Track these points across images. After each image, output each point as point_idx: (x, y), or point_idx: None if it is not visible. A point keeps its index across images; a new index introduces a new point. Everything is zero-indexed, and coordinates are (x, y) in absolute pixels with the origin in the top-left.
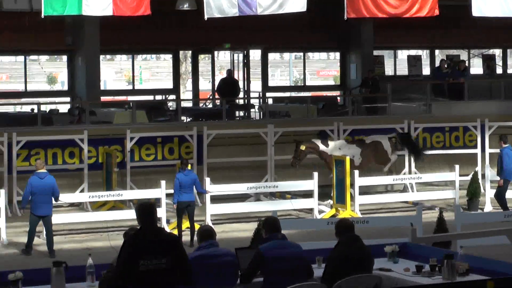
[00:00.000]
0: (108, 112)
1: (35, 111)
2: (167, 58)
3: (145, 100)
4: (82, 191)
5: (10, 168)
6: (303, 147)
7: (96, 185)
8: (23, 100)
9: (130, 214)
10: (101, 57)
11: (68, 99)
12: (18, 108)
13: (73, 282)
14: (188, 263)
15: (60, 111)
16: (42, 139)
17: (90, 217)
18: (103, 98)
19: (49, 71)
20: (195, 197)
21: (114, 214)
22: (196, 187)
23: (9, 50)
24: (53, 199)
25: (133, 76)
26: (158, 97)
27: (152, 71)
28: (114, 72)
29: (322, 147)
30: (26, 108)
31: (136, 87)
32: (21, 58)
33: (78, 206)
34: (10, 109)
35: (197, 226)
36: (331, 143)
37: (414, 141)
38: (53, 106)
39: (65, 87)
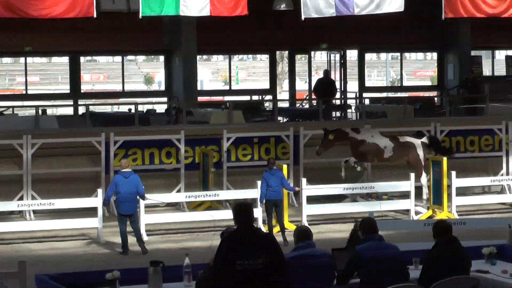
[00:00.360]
0: (205, 112)
1: (133, 111)
2: (264, 58)
3: (242, 100)
4: (178, 191)
5: (108, 167)
6: (331, 137)
7: (193, 185)
8: (121, 100)
9: (226, 214)
10: (198, 57)
11: (165, 99)
12: (115, 108)
13: (170, 282)
14: (285, 263)
15: (157, 111)
16: (139, 139)
17: (187, 217)
18: (200, 98)
19: (146, 71)
20: (290, 197)
21: (211, 214)
22: (284, 185)
23: (107, 51)
24: (138, 197)
25: (230, 76)
26: (255, 97)
27: (249, 71)
28: (211, 72)
29: (352, 133)
30: (124, 108)
31: (232, 87)
32: (118, 58)
33: (174, 206)
34: (107, 109)
35: (293, 227)
36: (362, 130)
37: (441, 144)
38: (150, 106)
39: (162, 87)
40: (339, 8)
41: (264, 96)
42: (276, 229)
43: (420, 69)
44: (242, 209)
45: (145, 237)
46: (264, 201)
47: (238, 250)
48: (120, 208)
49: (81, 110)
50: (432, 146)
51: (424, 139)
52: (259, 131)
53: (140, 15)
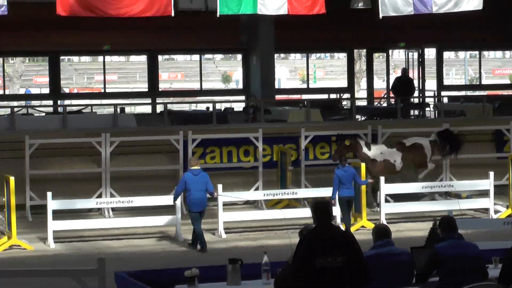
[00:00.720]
0: (282, 111)
1: (210, 109)
2: (342, 57)
3: (320, 99)
4: (256, 189)
5: (186, 166)
6: (347, 142)
7: (271, 183)
8: (198, 98)
9: (304, 213)
10: (276, 55)
11: (242, 97)
12: (193, 107)
13: (249, 279)
14: (364, 261)
15: (235, 109)
16: (217, 137)
17: (265, 215)
18: (277, 97)
19: (224, 70)
20: (368, 197)
21: (289, 212)
22: (356, 181)
23: (185, 49)
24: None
25: (308, 74)
26: (332, 96)
27: (326, 70)
28: (288, 70)
29: (365, 149)
30: (201, 107)
31: (310, 86)
32: (196, 57)
33: (252, 204)
34: (185, 107)
35: (371, 225)
36: (373, 147)
37: (454, 135)
38: (228, 105)
39: (240, 86)
40: (417, 6)
41: (342, 95)
42: (356, 226)
43: (498, 67)
44: (321, 207)
45: (223, 235)
46: (336, 198)
47: (317, 248)
48: (192, 206)
49: (159, 108)
50: (443, 140)
51: (433, 137)
52: (337, 129)
53: (218, 14)
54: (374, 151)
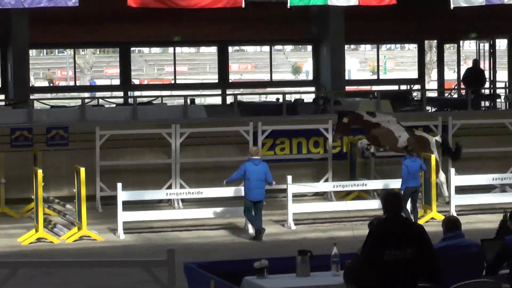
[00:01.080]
0: (352, 102)
1: (280, 100)
2: (412, 48)
3: (390, 90)
4: (326, 180)
5: None
6: (346, 120)
7: (340, 175)
8: (268, 89)
9: (374, 204)
10: (346, 46)
11: (312, 88)
12: (263, 98)
13: (318, 270)
14: (433, 253)
15: (305, 100)
16: (287, 129)
17: (334, 207)
18: (347, 88)
19: (294, 61)
20: (438, 188)
21: (358, 204)
22: (422, 169)
23: (255, 40)
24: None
25: (378, 66)
26: (403, 87)
27: (397, 61)
28: (359, 62)
29: (366, 116)
30: (271, 98)
31: (380, 77)
32: (266, 48)
33: (322, 196)
34: (255, 98)
35: (441, 217)
36: (378, 114)
37: (452, 147)
38: (298, 96)
39: (310, 77)
40: None
41: (412, 86)
42: (425, 218)
43: None
44: (391, 198)
45: (293, 227)
46: (404, 188)
47: (386, 240)
48: (249, 194)
49: (229, 99)
50: (442, 146)
51: (438, 138)
52: (408, 120)
53: (289, 5)
54: (380, 117)
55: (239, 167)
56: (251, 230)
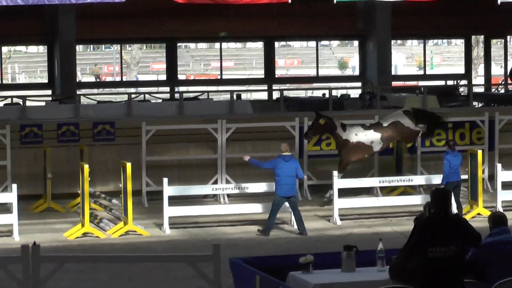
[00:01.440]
0: (399, 97)
1: (327, 95)
2: (459, 43)
3: (436, 85)
4: (372, 176)
5: (301, 152)
6: (322, 121)
7: (386, 170)
8: (314, 85)
9: (420, 200)
10: (392, 42)
11: (359, 84)
12: (309, 93)
13: (363, 266)
14: (479, 242)
15: (351, 96)
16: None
17: (380, 202)
18: (394, 83)
19: (340, 56)
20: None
21: (404, 199)
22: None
23: (301, 36)
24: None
25: (424, 61)
26: (449, 82)
27: (443, 56)
28: (405, 57)
29: (339, 129)
30: (318, 93)
31: (427, 72)
32: (312, 43)
33: (368, 191)
34: (301, 94)
35: (487, 212)
36: (348, 128)
37: (429, 112)
38: (344, 91)
39: (356, 72)
40: None
41: (459, 81)
42: (472, 213)
43: None
44: (439, 195)
45: (338, 222)
46: (445, 183)
47: (430, 238)
48: (280, 190)
49: (275, 94)
50: (420, 117)
51: (406, 109)
52: (454, 116)
53: (335, 0)
54: (348, 131)
55: (271, 160)
56: (295, 226)
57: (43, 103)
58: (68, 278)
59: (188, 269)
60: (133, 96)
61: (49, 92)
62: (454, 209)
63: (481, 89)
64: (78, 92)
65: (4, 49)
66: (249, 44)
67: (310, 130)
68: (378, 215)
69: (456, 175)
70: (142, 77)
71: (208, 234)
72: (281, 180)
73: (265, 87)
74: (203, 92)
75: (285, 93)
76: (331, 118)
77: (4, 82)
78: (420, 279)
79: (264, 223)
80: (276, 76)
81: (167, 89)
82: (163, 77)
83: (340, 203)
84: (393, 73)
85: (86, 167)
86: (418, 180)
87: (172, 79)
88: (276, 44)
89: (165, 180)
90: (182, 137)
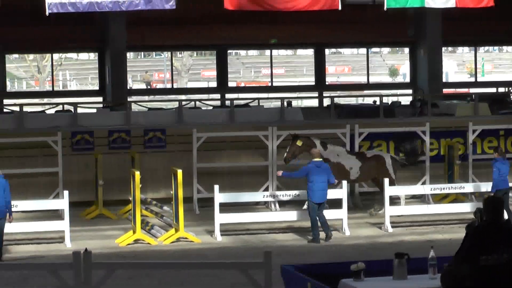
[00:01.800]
0: (450, 105)
1: (377, 103)
2: (510, 50)
3: (488, 92)
4: (423, 183)
5: None
6: (299, 143)
7: (438, 178)
8: (365, 92)
9: (471, 207)
10: (443, 49)
11: (409, 91)
12: (360, 100)
13: (415, 273)
14: None
15: (402, 103)
16: (384, 131)
17: (432, 210)
18: (445, 90)
19: (391, 63)
20: None
21: (455, 206)
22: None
23: (351, 43)
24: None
25: (476, 68)
26: (501, 89)
27: (495, 63)
28: (456, 64)
29: (319, 148)
30: (368, 100)
31: (478, 79)
32: (363, 50)
33: (419, 199)
34: (352, 101)
35: None
36: (330, 147)
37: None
38: (395, 98)
39: (407, 79)
40: None
41: (510, 88)
42: None
43: None
44: (492, 203)
45: (389, 229)
46: (495, 190)
47: (482, 244)
48: (314, 196)
49: (326, 102)
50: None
51: (393, 155)
52: (506, 123)
53: (385, 7)
54: (330, 150)
55: (302, 167)
56: (348, 232)
57: (94, 110)
58: (118, 285)
59: (239, 276)
60: (183, 103)
61: (100, 99)
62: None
63: None
64: (129, 99)
65: (55, 56)
66: (300, 51)
67: (288, 153)
68: (430, 223)
69: (505, 183)
70: (192, 84)
71: (259, 241)
72: (313, 186)
73: (315, 94)
74: (253, 99)
75: (336, 100)
76: (309, 137)
77: (55, 89)
78: (472, 287)
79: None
80: (327, 83)
81: (218, 96)
82: (213, 84)
83: (391, 211)
84: (444, 80)
85: (137, 174)
86: (469, 187)
87: (222, 86)
88: (327, 51)
89: (216, 187)
90: (233, 144)
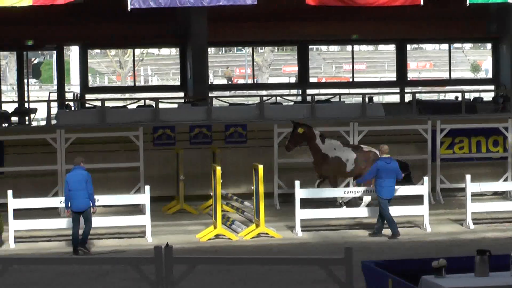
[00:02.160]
0: None
1: (459, 99)
2: None
3: None
4: (505, 180)
5: (434, 155)
6: (300, 130)
7: None
8: (447, 88)
9: None
10: None
11: (492, 87)
12: (441, 96)
13: (497, 270)
14: None
15: (484, 99)
16: (465, 127)
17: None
18: None
19: (473, 59)
20: None
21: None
22: None
23: (433, 38)
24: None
25: None
26: None
27: None
28: None
29: (318, 140)
30: (450, 96)
31: None
32: (445, 46)
33: (501, 195)
34: (434, 96)
35: None
36: (327, 140)
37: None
38: (477, 94)
39: (489, 75)
40: None
41: None
42: None
43: None
44: None
45: (471, 226)
46: None
47: None
48: (383, 192)
49: (408, 97)
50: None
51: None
52: None
53: (468, 3)
54: (327, 144)
55: (370, 169)
56: (429, 229)
57: (175, 105)
58: (199, 280)
59: (320, 272)
60: (265, 98)
61: (181, 94)
62: None
63: None
64: (210, 95)
65: (137, 51)
66: (381, 47)
67: (289, 141)
68: None
69: None
70: (273, 80)
71: (340, 237)
72: (383, 182)
73: (397, 90)
74: (334, 94)
75: (417, 96)
76: (310, 127)
77: (137, 84)
78: None
79: (398, 226)
80: (408, 79)
81: (299, 91)
82: (294, 79)
83: (473, 207)
84: None
85: (218, 169)
86: None
87: (303, 81)
88: (408, 46)
89: (297, 182)
90: None
